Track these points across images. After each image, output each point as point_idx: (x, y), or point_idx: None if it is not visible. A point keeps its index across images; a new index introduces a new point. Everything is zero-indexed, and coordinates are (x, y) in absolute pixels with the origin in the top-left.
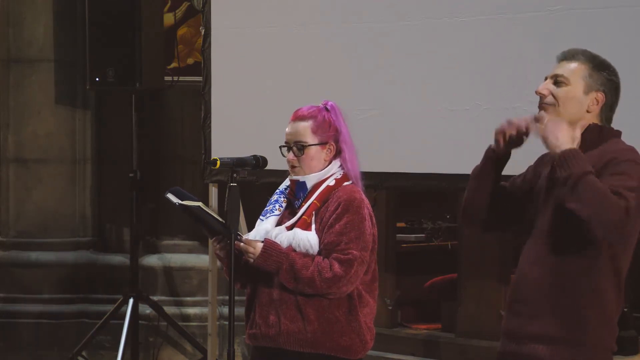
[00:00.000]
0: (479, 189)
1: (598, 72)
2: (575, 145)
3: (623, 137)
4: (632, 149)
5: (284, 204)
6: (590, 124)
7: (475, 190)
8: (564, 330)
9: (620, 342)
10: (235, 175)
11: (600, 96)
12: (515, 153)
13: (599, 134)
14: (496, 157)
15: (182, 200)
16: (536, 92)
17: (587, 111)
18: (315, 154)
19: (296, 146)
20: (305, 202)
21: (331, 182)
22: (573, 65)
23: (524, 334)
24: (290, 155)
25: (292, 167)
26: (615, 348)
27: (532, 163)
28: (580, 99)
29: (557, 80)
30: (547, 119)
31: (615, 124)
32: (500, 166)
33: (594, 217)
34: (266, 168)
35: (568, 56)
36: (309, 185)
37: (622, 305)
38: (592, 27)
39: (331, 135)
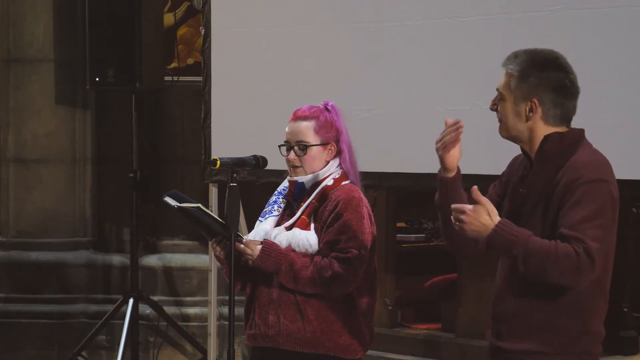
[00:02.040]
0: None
1: (525, 78)
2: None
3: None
4: (595, 162)
5: (282, 205)
6: (550, 134)
7: (448, 223)
8: (543, 346)
9: (620, 342)
10: (235, 175)
11: (533, 103)
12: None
13: (560, 143)
14: (450, 179)
15: (180, 203)
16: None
17: (527, 121)
18: (317, 154)
19: (298, 146)
20: (304, 202)
21: (329, 181)
22: (505, 76)
23: (506, 351)
24: (292, 155)
25: (293, 166)
26: (600, 349)
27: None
28: (516, 111)
29: (499, 94)
30: (463, 216)
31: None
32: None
33: (557, 280)
34: (266, 168)
35: (503, 65)
36: (308, 185)
37: (606, 308)
38: (592, 27)
39: (332, 136)
